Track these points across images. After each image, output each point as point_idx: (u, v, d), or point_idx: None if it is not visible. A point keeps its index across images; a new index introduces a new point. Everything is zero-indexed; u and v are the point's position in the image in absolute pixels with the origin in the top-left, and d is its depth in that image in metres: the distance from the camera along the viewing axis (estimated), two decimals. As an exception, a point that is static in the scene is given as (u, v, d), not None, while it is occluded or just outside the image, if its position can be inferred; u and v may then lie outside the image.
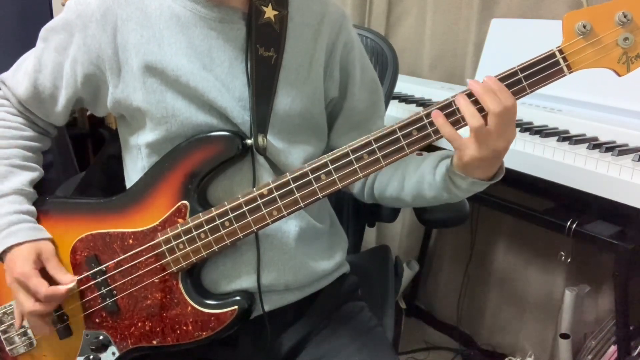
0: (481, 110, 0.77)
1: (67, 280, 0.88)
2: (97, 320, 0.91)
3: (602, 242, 1.30)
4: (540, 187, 1.35)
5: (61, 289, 0.87)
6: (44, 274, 0.88)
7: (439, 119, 0.78)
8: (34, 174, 0.96)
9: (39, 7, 1.92)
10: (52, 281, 0.88)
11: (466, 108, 0.77)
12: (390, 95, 1.36)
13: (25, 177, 0.94)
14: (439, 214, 1.17)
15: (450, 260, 2.12)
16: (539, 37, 1.55)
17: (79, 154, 1.50)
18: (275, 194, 0.83)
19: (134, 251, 0.89)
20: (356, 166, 0.82)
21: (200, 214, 0.86)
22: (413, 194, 0.93)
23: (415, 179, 0.92)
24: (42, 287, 0.85)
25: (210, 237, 0.86)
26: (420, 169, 0.91)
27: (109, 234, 0.90)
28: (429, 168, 0.90)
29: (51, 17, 1.86)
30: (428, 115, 0.79)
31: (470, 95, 0.77)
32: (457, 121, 0.78)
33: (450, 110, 0.79)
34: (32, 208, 0.93)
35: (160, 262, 0.88)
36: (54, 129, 1.02)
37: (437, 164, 0.89)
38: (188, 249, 0.87)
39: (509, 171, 1.39)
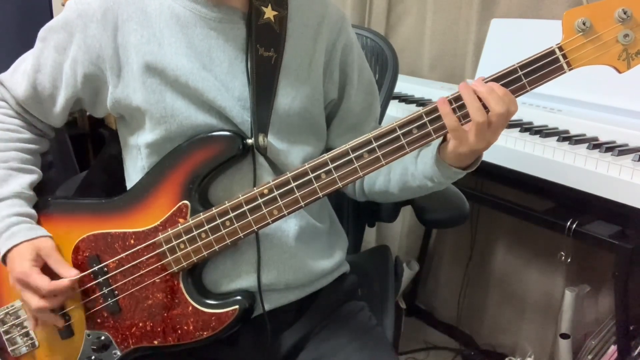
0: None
1: (70, 274, 0.87)
2: (98, 320, 0.91)
3: (602, 242, 1.30)
4: (540, 187, 1.35)
5: (64, 281, 0.86)
6: (47, 271, 0.88)
7: (444, 107, 0.79)
8: (33, 177, 0.95)
9: (39, 7, 1.93)
10: (55, 277, 0.87)
11: (472, 103, 0.78)
12: (390, 95, 1.35)
13: (24, 180, 0.93)
14: (439, 214, 1.17)
15: (450, 260, 2.12)
16: (539, 37, 1.54)
17: (79, 154, 1.49)
18: (276, 193, 0.84)
19: (135, 251, 0.89)
20: (356, 165, 0.82)
21: (201, 213, 0.86)
22: (399, 185, 0.94)
23: (400, 171, 0.93)
24: (43, 282, 0.85)
25: (211, 237, 0.86)
26: (403, 161, 0.91)
27: (110, 234, 0.90)
28: (411, 158, 0.91)
29: (51, 17, 1.86)
30: (428, 113, 0.80)
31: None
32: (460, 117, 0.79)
33: (454, 106, 0.79)
34: (32, 211, 0.93)
35: (162, 262, 0.88)
36: (52, 130, 1.02)
37: (418, 154, 0.90)
38: (189, 248, 0.87)
39: (510, 171, 1.42)
